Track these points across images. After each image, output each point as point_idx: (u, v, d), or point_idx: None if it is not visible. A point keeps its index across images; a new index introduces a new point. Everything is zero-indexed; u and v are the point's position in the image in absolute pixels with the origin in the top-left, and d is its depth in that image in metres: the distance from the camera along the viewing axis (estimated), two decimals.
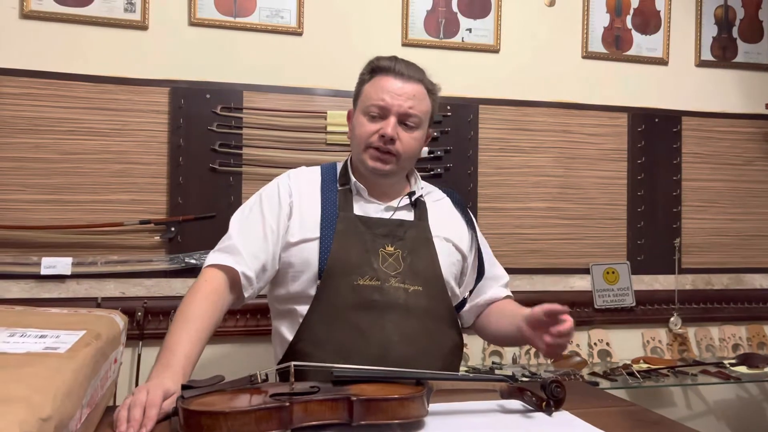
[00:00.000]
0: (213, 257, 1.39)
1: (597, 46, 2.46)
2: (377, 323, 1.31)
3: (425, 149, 2.20)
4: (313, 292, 1.35)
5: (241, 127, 2.11)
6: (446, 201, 1.58)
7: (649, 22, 2.51)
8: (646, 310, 2.45)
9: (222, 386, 1.01)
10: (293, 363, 1.05)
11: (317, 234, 1.38)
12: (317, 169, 1.52)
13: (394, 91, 1.40)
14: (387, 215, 1.45)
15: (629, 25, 2.49)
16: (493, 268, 1.59)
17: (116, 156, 2.02)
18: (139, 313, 1.96)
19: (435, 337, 1.37)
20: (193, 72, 2.08)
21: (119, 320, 1.11)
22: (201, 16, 2.09)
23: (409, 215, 1.47)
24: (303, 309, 1.36)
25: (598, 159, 2.44)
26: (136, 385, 1.98)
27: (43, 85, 1.97)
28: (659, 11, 2.51)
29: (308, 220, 1.41)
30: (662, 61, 2.52)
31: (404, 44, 2.27)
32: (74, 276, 1.97)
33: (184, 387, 0.99)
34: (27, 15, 1.97)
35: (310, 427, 0.92)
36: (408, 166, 1.48)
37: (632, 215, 2.46)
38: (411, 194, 1.49)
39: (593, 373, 2.14)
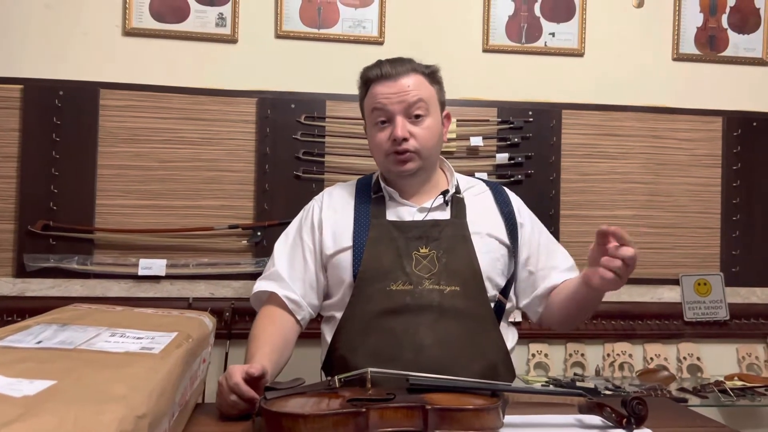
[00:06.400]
0: (258, 284, 1.48)
1: (689, 47, 2.35)
2: (410, 327, 1.31)
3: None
4: (348, 299, 1.39)
5: (323, 136, 2.17)
6: (488, 194, 1.53)
7: (747, 20, 2.38)
8: (742, 325, 2.32)
9: (302, 389, 1.05)
10: (370, 369, 1.08)
11: (350, 244, 1.41)
12: (353, 183, 1.56)
13: (389, 92, 1.40)
14: (421, 217, 1.43)
15: (725, 24, 2.37)
16: (550, 258, 1.51)
17: (207, 164, 2.13)
18: (227, 313, 2.05)
19: (475, 339, 1.35)
20: (279, 83, 2.17)
21: (208, 322, 1.18)
22: (287, 28, 2.17)
23: (444, 214, 1.44)
24: (340, 315, 1.40)
25: (689, 165, 2.33)
26: None
27: (142, 97, 2.11)
28: (759, 8, 2.38)
29: (341, 232, 1.44)
30: (761, 62, 2.38)
31: (485, 50, 2.27)
32: (168, 277, 2.09)
33: (267, 389, 1.04)
34: (129, 32, 2.11)
35: None
36: (432, 157, 1.46)
37: (726, 224, 2.34)
38: (445, 193, 1.46)
39: (682, 389, 2.04)
